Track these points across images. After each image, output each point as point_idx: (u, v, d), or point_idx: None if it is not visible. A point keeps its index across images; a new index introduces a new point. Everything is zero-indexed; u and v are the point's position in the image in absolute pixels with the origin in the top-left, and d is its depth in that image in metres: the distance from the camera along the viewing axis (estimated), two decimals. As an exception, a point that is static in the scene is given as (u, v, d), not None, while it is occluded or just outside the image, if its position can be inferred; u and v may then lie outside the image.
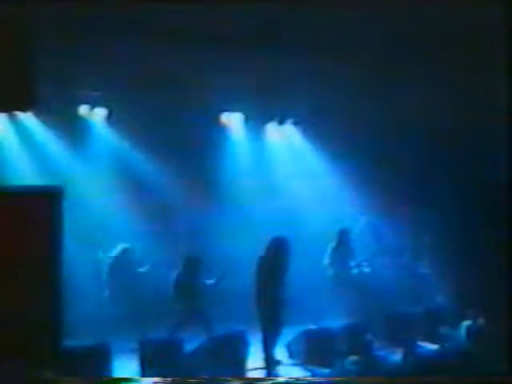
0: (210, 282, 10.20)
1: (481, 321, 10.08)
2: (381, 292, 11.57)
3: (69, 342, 7.58)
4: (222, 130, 12.72)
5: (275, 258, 9.49)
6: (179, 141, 12.04)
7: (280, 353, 9.84)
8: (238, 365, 8.96)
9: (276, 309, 9.45)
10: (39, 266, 6.81)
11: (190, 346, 9.01)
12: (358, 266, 12.05)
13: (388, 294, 11.53)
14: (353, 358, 9.24)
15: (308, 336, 9.77)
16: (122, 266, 10.71)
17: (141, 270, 10.86)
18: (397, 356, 9.43)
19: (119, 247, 10.92)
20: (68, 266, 7.17)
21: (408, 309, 11.17)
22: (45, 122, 11.21)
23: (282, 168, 13.24)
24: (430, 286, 12.23)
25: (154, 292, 10.82)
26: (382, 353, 9.65)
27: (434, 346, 10.24)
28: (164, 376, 7.71)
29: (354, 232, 12.29)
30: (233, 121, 12.71)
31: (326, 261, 11.84)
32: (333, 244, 11.93)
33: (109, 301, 10.50)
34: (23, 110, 8.89)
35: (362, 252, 12.22)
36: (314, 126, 12.81)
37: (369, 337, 9.91)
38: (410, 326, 10.63)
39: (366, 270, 12.10)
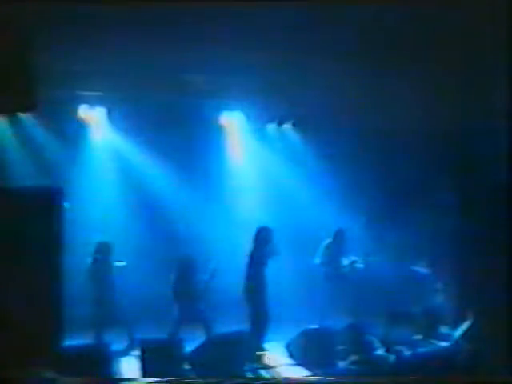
0: (204, 277, 10.25)
1: (480, 320, 10.09)
2: (378, 292, 11.58)
3: (69, 342, 7.60)
4: (221, 130, 12.72)
5: (260, 247, 10.23)
6: (179, 140, 12.06)
7: (279, 351, 9.89)
8: (237, 365, 8.96)
9: (261, 300, 10.06)
10: (39, 266, 6.82)
11: (189, 346, 9.01)
12: (352, 264, 12.01)
13: (386, 293, 11.54)
14: (353, 357, 9.27)
15: (308, 336, 9.76)
16: (98, 262, 10.65)
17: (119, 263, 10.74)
18: (396, 356, 9.44)
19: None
20: (68, 266, 7.19)
21: (407, 309, 11.17)
22: (45, 123, 11.22)
23: (282, 168, 13.24)
24: (429, 285, 12.23)
25: (153, 292, 10.82)
26: (381, 353, 9.66)
27: (433, 346, 10.25)
28: (164, 376, 7.73)
29: (351, 231, 12.26)
30: (232, 121, 12.71)
31: (318, 259, 11.83)
32: (326, 242, 11.92)
33: (109, 301, 10.47)
34: (24, 110, 8.90)
35: (357, 251, 12.17)
36: (314, 126, 12.81)
37: (369, 337, 9.93)
38: (409, 325, 10.63)
39: (360, 268, 12.05)
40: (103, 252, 10.54)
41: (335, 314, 11.08)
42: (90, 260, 10.43)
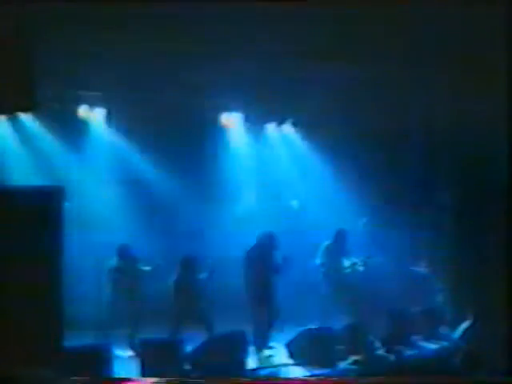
0: (203, 275, 10.25)
1: (480, 321, 10.09)
2: (378, 292, 11.57)
3: (69, 342, 7.59)
4: (221, 130, 12.72)
5: (263, 252, 10.27)
6: (178, 141, 12.06)
7: (279, 351, 9.90)
8: (238, 365, 8.95)
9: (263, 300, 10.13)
10: (39, 266, 6.81)
11: (189, 346, 9.01)
12: (352, 266, 11.99)
13: (386, 293, 11.53)
14: (353, 357, 9.27)
15: (308, 336, 9.76)
16: (120, 265, 10.67)
17: (145, 268, 10.78)
18: (396, 356, 9.44)
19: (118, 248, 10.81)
20: (68, 266, 7.17)
21: (407, 309, 11.17)
22: (45, 122, 11.22)
23: (281, 168, 13.25)
24: (429, 286, 12.22)
25: (153, 292, 10.81)
26: (382, 353, 9.65)
27: (433, 346, 10.25)
28: (164, 376, 7.72)
29: (351, 232, 12.24)
30: (232, 121, 12.70)
31: (318, 260, 11.82)
32: (327, 243, 11.90)
33: (109, 300, 10.47)
34: (24, 110, 8.90)
35: (358, 253, 12.16)
36: (314, 126, 12.81)
37: (369, 337, 9.92)
38: (409, 326, 10.63)
39: (360, 270, 12.03)
40: (111, 254, 10.56)
41: (335, 314, 11.09)
42: (92, 261, 10.45)
